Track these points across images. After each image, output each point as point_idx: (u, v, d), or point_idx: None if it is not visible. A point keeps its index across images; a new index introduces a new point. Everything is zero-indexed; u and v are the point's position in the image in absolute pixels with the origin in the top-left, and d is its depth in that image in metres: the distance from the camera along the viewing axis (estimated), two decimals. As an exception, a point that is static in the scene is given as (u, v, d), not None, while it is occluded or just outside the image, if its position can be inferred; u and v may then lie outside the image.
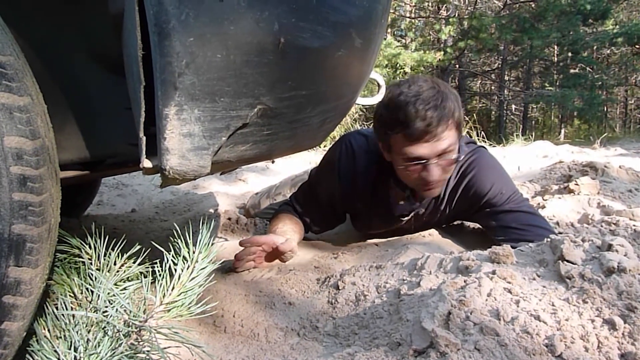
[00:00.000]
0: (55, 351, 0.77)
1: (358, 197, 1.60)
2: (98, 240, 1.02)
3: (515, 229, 1.44)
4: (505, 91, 14.47)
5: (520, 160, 3.46)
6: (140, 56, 0.68)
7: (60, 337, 0.81)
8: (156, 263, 0.87)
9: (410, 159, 1.35)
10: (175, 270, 0.84)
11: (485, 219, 1.54)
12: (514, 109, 17.99)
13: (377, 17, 0.90)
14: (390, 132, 1.35)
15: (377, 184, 1.56)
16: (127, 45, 0.79)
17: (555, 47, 13.90)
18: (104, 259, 1.01)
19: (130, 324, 0.79)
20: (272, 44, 0.72)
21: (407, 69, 11.68)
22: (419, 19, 13.41)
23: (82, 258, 1.02)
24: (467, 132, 5.63)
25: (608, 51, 16.49)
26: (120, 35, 0.87)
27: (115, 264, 1.01)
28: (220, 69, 0.69)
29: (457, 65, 14.01)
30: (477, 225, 1.78)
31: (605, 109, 15.82)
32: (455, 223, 1.81)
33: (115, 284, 0.94)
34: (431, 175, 1.35)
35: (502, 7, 12.72)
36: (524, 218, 1.46)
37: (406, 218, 1.60)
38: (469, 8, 12.93)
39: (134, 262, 1.01)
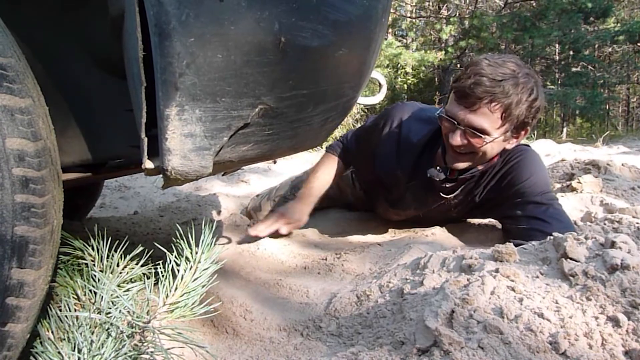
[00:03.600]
0: (59, 353, 0.77)
1: (401, 162, 1.63)
2: (101, 242, 1.02)
3: (539, 220, 1.44)
4: (507, 90, 14.39)
5: (523, 159, 3.43)
6: (140, 57, 0.68)
7: (64, 339, 0.81)
8: (159, 264, 0.87)
9: (447, 114, 1.40)
10: (178, 271, 0.84)
11: (511, 208, 1.53)
12: (515, 108, 17.89)
13: (378, 15, 0.90)
14: (452, 85, 1.42)
15: (424, 151, 1.59)
16: (128, 47, 0.79)
17: (557, 45, 13.86)
18: (107, 261, 1.01)
19: (134, 325, 0.79)
20: (273, 44, 0.72)
21: (408, 69, 11.70)
22: (419, 18, 13.42)
23: (85, 260, 1.02)
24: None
25: (610, 49, 16.46)
26: (120, 37, 0.87)
27: (118, 265, 1.01)
28: (221, 69, 0.69)
29: (459, 65, 13.97)
30: (481, 224, 1.78)
31: (607, 107, 15.75)
32: (459, 222, 1.81)
33: (119, 286, 0.94)
34: (452, 139, 1.38)
35: (503, 6, 12.71)
36: (551, 212, 1.46)
37: (444, 194, 1.59)
38: (470, 7, 12.91)
39: (136, 264, 1.01)
